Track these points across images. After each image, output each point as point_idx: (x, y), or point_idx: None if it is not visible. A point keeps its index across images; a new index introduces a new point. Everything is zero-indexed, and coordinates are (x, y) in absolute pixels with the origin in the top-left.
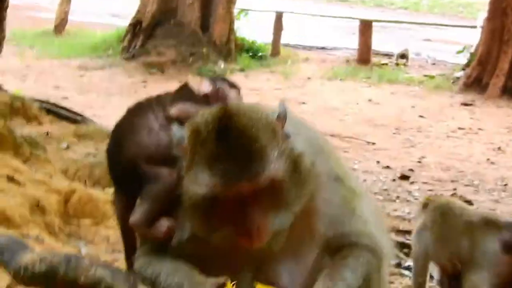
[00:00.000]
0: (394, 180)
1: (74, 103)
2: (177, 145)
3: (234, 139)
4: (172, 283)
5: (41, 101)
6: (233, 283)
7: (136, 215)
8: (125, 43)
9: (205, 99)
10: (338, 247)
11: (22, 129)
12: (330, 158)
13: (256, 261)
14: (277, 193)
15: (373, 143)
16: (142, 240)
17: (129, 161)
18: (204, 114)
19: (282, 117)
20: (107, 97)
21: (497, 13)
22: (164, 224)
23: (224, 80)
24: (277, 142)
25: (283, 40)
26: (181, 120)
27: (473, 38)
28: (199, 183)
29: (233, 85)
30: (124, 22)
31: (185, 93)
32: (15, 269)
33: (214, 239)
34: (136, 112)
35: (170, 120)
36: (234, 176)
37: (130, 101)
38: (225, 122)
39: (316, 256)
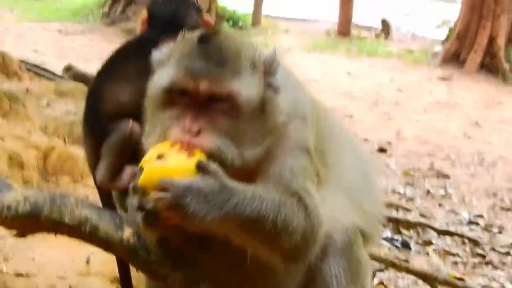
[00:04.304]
0: (371, 152)
1: (53, 67)
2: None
3: (212, 47)
4: None
5: (22, 61)
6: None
7: (100, 172)
8: (106, 8)
9: None
10: None
11: (2, 84)
12: (309, 128)
13: None
14: (233, 118)
15: (351, 116)
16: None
17: (107, 113)
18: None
19: (267, 61)
20: (86, 62)
21: None
22: (127, 172)
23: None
24: (251, 72)
25: (264, 10)
26: None
27: (453, 13)
28: (163, 77)
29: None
30: None
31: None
32: None
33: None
34: (118, 60)
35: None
36: (196, 71)
37: None
38: (210, 34)
39: None
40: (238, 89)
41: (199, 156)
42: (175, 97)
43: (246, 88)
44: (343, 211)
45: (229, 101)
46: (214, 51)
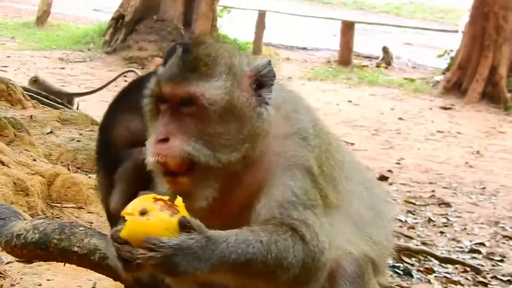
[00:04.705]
0: None
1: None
2: None
3: (191, 55)
4: None
5: (25, 89)
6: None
7: (114, 200)
8: (107, 37)
9: None
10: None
11: (6, 112)
12: (310, 148)
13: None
14: (202, 120)
15: (352, 144)
16: None
17: (120, 142)
18: None
19: (255, 70)
20: (87, 90)
21: (479, 18)
22: None
23: None
24: (225, 77)
25: (265, 39)
26: None
27: (454, 43)
28: (148, 87)
29: None
30: (106, 17)
31: None
32: (7, 237)
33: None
34: (130, 92)
35: None
36: (165, 77)
37: (110, 94)
38: (194, 44)
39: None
40: (202, 91)
41: (182, 212)
42: (158, 105)
43: (213, 89)
44: (353, 240)
45: (197, 104)
46: (190, 59)
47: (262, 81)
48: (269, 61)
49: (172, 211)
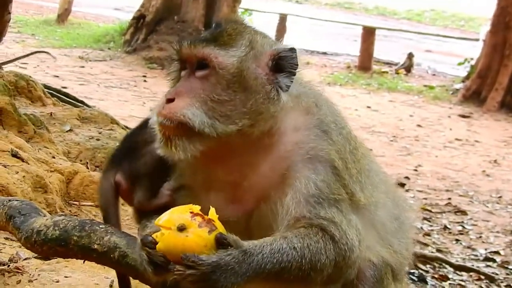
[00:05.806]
0: None
1: (74, 93)
2: None
3: (219, 28)
4: None
5: (45, 86)
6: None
7: (138, 194)
8: (127, 36)
9: None
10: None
11: (26, 109)
12: (331, 142)
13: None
14: (211, 83)
15: (370, 150)
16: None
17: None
18: None
19: (275, 51)
20: (107, 88)
21: (500, 27)
22: (164, 192)
23: None
24: (244, 50)
25: (285, 42)
26: None
27: (474, 51)
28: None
29: None
30: (126, 16)
31: None
32: (27, 233)
33: None
34: None
35: None
36: (187, 42)
37: (129, 94)
38: (228, 19)
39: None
40: (216, 54)
41: (218, 227)
42: (180, 74)
43: (227, 56)
44: (373, 247)
45: (209, 67)
46: (218, 30)
47: (280, 64)
48: (293, 48)
49: (210, 227)
